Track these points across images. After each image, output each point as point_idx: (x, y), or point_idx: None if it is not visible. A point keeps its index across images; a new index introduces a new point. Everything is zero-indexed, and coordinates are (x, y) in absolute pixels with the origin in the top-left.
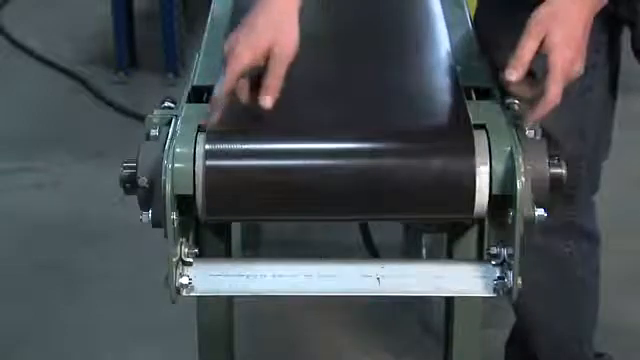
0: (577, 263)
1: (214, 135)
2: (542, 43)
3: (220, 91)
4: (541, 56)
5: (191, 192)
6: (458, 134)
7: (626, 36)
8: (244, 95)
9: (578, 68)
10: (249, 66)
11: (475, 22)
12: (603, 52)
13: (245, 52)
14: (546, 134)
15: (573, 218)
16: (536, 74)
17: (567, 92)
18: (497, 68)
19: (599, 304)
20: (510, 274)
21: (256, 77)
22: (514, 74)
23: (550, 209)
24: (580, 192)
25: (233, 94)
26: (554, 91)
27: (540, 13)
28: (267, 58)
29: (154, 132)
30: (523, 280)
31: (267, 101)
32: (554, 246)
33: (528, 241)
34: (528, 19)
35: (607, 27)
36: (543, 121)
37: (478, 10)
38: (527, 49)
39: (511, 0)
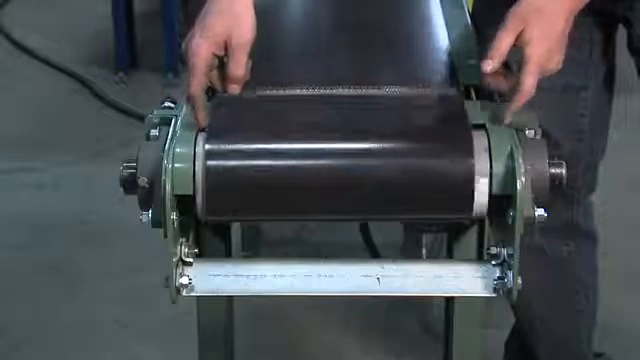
0: (576, 263)
1: (214, 135)
2: (520, 36)
3: (193, 90)
4: (518, 50)
5: (191, 192)
6: (458, 134)
7: (621, 36)
8: (219, 85)
9: (556, 62)
10: (210, 58)
11: (471, 18)
12: (598, 50)
13: (202, 45)
14: (545, 134)
15: (571, 218)
16: (512, 67)
17: (563, 90)
18: None
19: (598, 304)
20: (510, 274)
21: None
22: (490, 65)
23: (548, 209)
24: (578, 192)
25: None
26: (529, 82)
27: (520, 6)
28: (226, 48)
29: (154, 132)
30: (522, 280)
31: (234, 89)
32: (553, 246)
33: (527, 241)
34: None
35: (602, 25)
36: (540, 121)
37: (474, 7)
38: (504, 41)
39: None
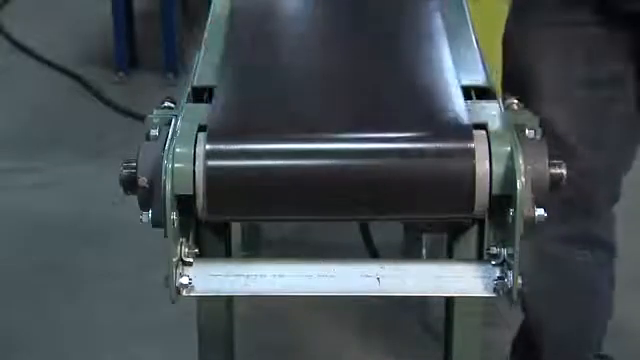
0: (591, 272)
1: (214, 135)
2: None
3: None
4: None
5: (191, 192)
6: (458, 134)
7: None
8: None
9: None
10: None
11: (507, 24)
12: (631, 66)
13: None
14: (561, 141)
15: (590, 229)
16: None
17: (591, 101)
18: (524, 70)
19: (611, 312)
20: (510, 274)
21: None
22: None
23: (568, 219)
24: (598, 204)
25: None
26: None
27: None
28: None
29: (154, 132)
30: (536, 283)
31: None
32: (569, 254)
33: (544, 248)
34: None
35: (635, 41)
36: (560, 128)
37: (510, 13)
38: None
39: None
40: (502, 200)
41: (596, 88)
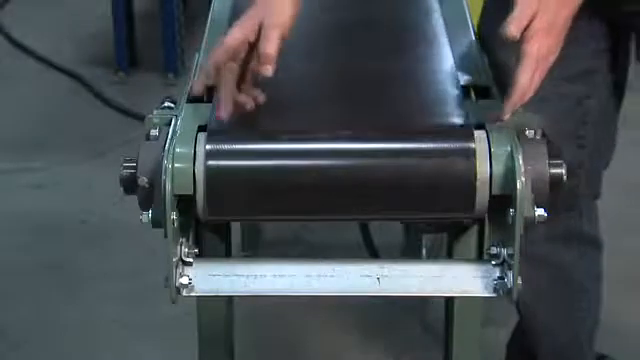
0: (579, 270)
1: (215, 135)
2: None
3: (211, 58)
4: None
5: (191, 192)
6: (458, 134)
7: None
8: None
9: (553, 58)
10: (241, 39)
11: (481, 20)
12: (604, 60)
13: (236, 29)
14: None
15: (575, 225)
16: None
17: (566, 97)
18: (500, 68)
19: (600, 308)
20: (510, 274)
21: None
22: (513, 29)
23: (549, 210)
24: (581, 199)
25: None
26: (526, 79)
27: None
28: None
29: (154, 132)
30: (525, 283)
31: (267, 70)
32: (556, 252)
33: (530, 247)
34: None
35: (610, 34)
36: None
37: (485, 9)
38: (524, 14)
39: None
40: (502, 200)
41: (570, 83)
